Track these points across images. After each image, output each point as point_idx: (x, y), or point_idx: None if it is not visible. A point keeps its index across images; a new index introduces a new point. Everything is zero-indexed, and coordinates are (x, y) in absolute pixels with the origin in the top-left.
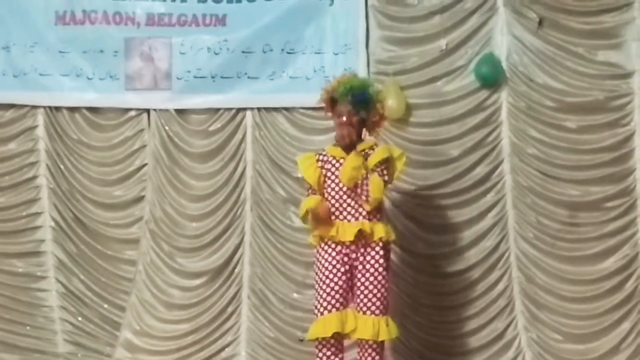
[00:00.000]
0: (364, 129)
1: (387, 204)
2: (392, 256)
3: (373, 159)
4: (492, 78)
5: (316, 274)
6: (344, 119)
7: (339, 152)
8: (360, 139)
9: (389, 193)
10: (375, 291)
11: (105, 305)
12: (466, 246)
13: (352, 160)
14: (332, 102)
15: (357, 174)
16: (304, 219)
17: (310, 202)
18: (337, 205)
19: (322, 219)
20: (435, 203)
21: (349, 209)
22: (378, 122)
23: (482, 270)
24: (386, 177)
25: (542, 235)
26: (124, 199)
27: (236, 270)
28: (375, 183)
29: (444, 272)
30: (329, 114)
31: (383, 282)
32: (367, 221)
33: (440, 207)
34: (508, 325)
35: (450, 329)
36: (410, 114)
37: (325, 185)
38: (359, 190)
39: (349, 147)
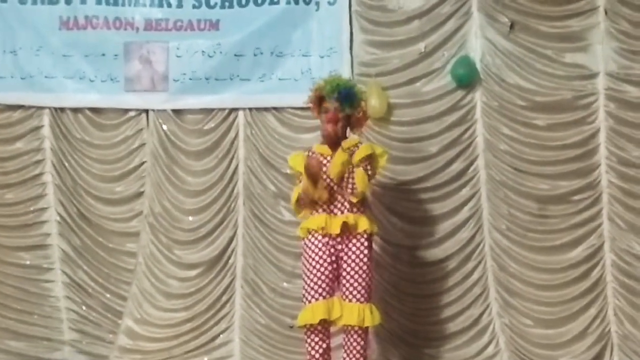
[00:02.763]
0: (349, 128)
1: (370, 197)
2: (375, 246)
3: (357, 155)
4: (467, 79)
5: (303, 264)
6: (330, 114)
7: (326, 150)
8: (345, 136)
9: (371, 187)
10: (360, 280)
11: (108, 295)
12: (444, 237)
13: (339, 156)
14: (319, 100)
15: (344, 169)
16: (296, 206)
17: (298, 188)
18: (324, 200)
19: (313, 171)
20: (415, 197)
21: (335, 203)
22: (361, 120)
23: (459, 260)
24: (370, 172)
25: (513, 226)
26: (125, 194)
27: (230, 262)
28: (360, 177)
29: (423, 261)
30: (315, 114)
31: (367, 271)
32: (351, 214)
33: (419, 201)
34: (483, 312)
35: (429, 315)
36: (391, 113)
37: None
38: (344, 184)
39: (335, 144)
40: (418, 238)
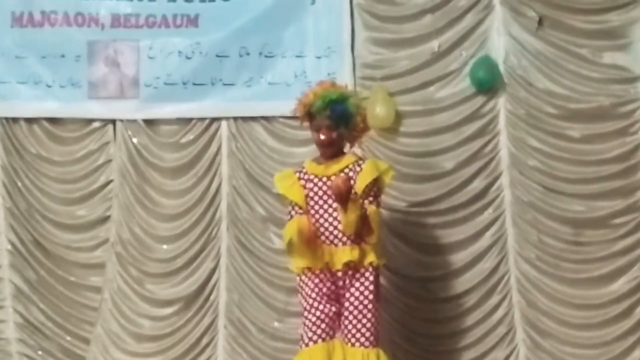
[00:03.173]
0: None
1: None
2: (382, 280)
3: (361, 182)
4: (488, 83)
5: (300, 302)
6: (322, 136)
7: (321, 170)
8: (341, 153)
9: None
10: (364, 321)
11: (68, 338)
12: (462, 268)
13: (352, 211)
14: (309, 116)
15: (359, 222)
16: (288, 246)
17: (293, 226)
18: (322, 229)
19: (307, 242)
20: (427, 221)
21: (335, 232)
22: (360, 136)
23: (480, 295)
24: (378, 200)
25: (544, 255)
26: (88, 219)
27: (211, 297)
28: (375, 218)
29: (438, 297)
30: (306, 124)
31: (373, 310)
32: (356, 245)
33: (433, 226)
34: (509, 356)
35: None
36: (399, 122)
37: (309, 207)
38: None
39: (331, 155)
40: (432, 269)
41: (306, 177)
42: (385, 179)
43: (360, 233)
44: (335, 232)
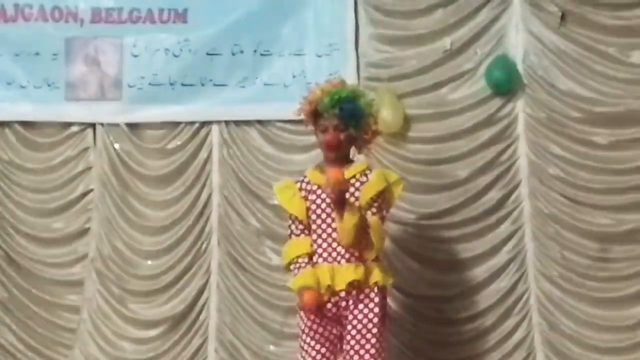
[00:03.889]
0: (353, 146)
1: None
2: (388, 300)
3: (366, 194)
4: (506, 84)
5: (298, 324)
6: (329, 137)
7: (324, 179)
8: (348, 160)
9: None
10: (367, 346)
11: None
12: (476, 287)
13: (349, 220)
14: (315, 115)
15: (359, 232)
16: (287, 266)
17: (295, 248)
18: (325, 245)
19: (308, 305)
20: (438, 235)
21: (339, 249)
22: (370, 140)
23: (497, 316)
24: (384, 212)
25: (567, 272)
26: (65, 232)
27: (200, 318)
28: (376, 229)
29: (451, 318)
30: (311, 127)
31: (377, 334)
32: (361, 263)
33: (444, 240)
34: None
35: None
36: (408, 127)
37: (310, 220)
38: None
39: (338, 158)
40: (443, 288)
41: (308, 187)
42: (395, 191)
43: (359, 246)
44: (339, 248)
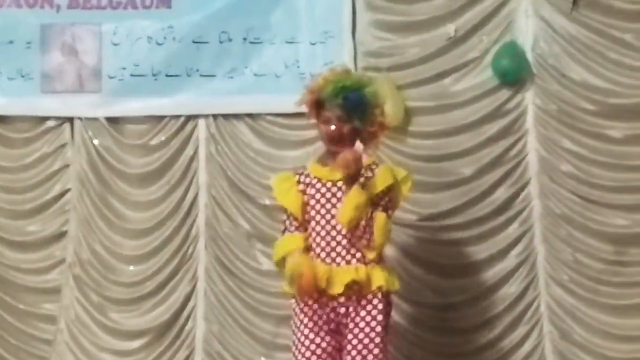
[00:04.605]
0: (358, 141)
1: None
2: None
3: (372, 190)
4: (514, 73)
5: (294, 332)
6: (332, 127)
7: (325, 172)
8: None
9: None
10: (370, 357)
11: None
12: (483, 293)
13: (354, 196)
14: (317, 106)
15: (361, 215)
16: (278, 263)
17: (286, 244)
18: (323, 244)
19: (304, 289)
20: (442, 237)
21: (339, 248)
22: (376, 133)
23: (505, 324)
24: (390, 212)
25: (580, 278)
26: (41, 235)
27: (187, 328)
28: (381, 224)
29: (455, 327)
30: (313, 120)
31: (381, 345)
32: (362, 265)
33: (448, 243)
34: None
35: None
36: (409, 121)
37: (308, 216)
38: (358, 232)
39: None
40: (447, 295)
41: (307, 180)
42: (404, 189)
43: (359, 242)
44: (339, 248)
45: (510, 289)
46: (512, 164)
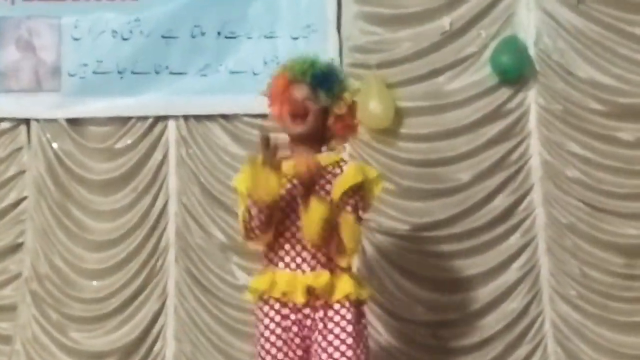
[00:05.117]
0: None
1: (367, 248)
2: (375, 324)
3: (340, 187)
4: (515, 71)
5: (256, 346)
6: (296, 107)
7: (288, 168)
8: (317, 148)
9: (369, 235)
10: None
11: None
12: (482, 309)
13: (315, 209)
14: (283, 91)
15: (327, 228)
16: (247, 234)
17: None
18: (287, 247)
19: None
20: (436, 249)
21: (304, 253)
22: (345, 123)
23: (506, 343)
24: (360, 212)
25: (588, 292)
26: None
27: (155, 349)
28: (349, 229)
29: (451, 346)
30: (275, 113)
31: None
32: (326, 271)
33: (443, 255)
34: None
35: None
36: (400, 122)
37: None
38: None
39: (309, 143)
40: (443, 311)
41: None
42: (374, 189)
43: (327, 248)
44: (304, 254)
45: (512, 305)
46: (513, 169)
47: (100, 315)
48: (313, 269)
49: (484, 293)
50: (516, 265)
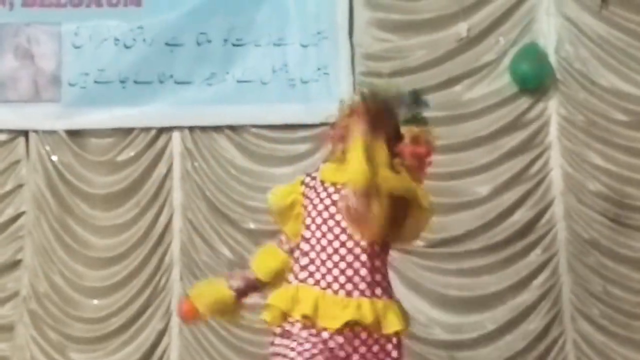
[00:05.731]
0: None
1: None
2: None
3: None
4: (535, 79)
5: None
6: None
7: (339, 175)
8: None
9: None
10: None
11: None
12: (500, 330)
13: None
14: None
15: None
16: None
17: (269, 258)
18: (318, 262)
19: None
20: (453, 266)
21: (342, 265)
22: (420, 159)
23: None
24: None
25: (611, 311)
26: None
27: None
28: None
29: None
30: (338, 146)
31: None
32: (365, 298)
33: (461, 272)
34: None
35: None
36: None
37: (304, 226)
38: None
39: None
40: (460, 331)
41: (313, 183)
42: (423, 217)
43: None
44: (342, 264)
45: (532, 325)
46: (533, 182)
47: (102, 336)
48: (349, 293)
49: (503, 312)
50: (536, 283)
